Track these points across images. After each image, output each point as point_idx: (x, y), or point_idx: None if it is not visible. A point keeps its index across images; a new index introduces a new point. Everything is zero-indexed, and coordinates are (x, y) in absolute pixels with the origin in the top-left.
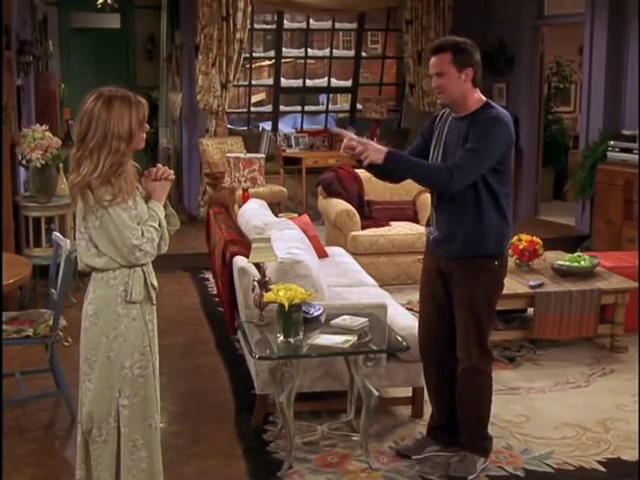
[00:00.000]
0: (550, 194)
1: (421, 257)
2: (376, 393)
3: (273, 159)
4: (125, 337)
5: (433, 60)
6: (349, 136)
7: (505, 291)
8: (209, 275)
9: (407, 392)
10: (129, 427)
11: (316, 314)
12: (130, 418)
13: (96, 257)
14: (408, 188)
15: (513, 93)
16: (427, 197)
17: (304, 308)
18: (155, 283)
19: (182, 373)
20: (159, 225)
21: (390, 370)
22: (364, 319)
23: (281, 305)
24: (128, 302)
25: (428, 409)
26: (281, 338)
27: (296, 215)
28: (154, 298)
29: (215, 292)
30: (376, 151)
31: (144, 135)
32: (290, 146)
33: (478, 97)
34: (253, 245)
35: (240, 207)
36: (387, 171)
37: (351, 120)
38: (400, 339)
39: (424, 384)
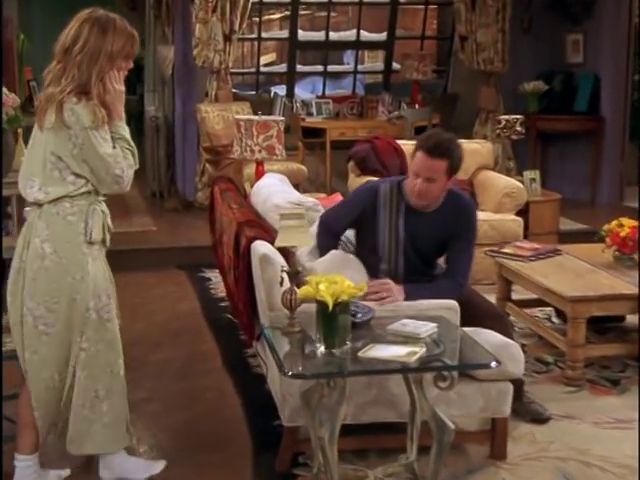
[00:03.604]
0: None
1: (490, 248)
2: (452, 426)
3: (289, 131)
4: (91, 278)
5: (428, 163)
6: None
7: (605, 291)
8: (211, 274)
9: (485, 424)
10: (90, 376)
11: (365, 317)
12: (91, 365)
13: (71, 185)
14: (464, 165)
15: (592, 47)
16: (487, 175)
17: (352, 309)
18: (111, 225)
19: (179, 399)
20: (129, 144)
21: (462, 394)
22: (432, 324)
23: (322, 304)
24: (88, 242)
25: (513, 447)
26: (322, 349)
27: (324, 195)
28: (108, 241)
29: (219, 295)
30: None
31: (124, 73)
32: (310, 114)
33: None
34: (281, 223)
35: (252, 186)
36: None
37: (385, 83)
38: (486, 350)
39: (508, 412)
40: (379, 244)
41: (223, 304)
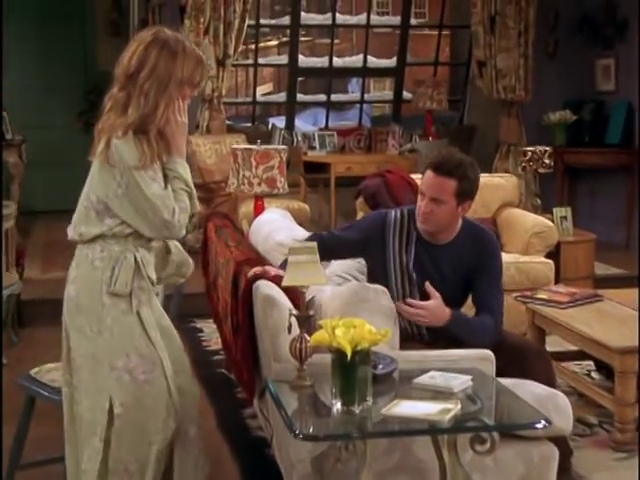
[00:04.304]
0: None
1: (518, 294)
2: None
3: (289, 166)
4: (112, 333)
5: (434, 181)
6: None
7: None
8: (202, 324)
9: None
10: (121, 445)
11: (388, 369)
12: (123, 433)
13: (105, 225)
14: (486, 202)
15: (625, 72)
16: (513, 213)
17: (372, 359)
18: (153, 276)
19: None
20: (186, 185)
21: (499, 460)
22: (465, 377)
23: (339, 352)
24: (112, 294)
25: None
26: (338, 406)
27: None
28: (151, 291)
29: (212, 347)
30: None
31: (187, 103)
32: (312, 148)
33: None
34: (290, 258)
35: (250, 224)
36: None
37: (394, 114)
38: (532, 407)
39: None
40: (391, 285)
41: (217, 358)
